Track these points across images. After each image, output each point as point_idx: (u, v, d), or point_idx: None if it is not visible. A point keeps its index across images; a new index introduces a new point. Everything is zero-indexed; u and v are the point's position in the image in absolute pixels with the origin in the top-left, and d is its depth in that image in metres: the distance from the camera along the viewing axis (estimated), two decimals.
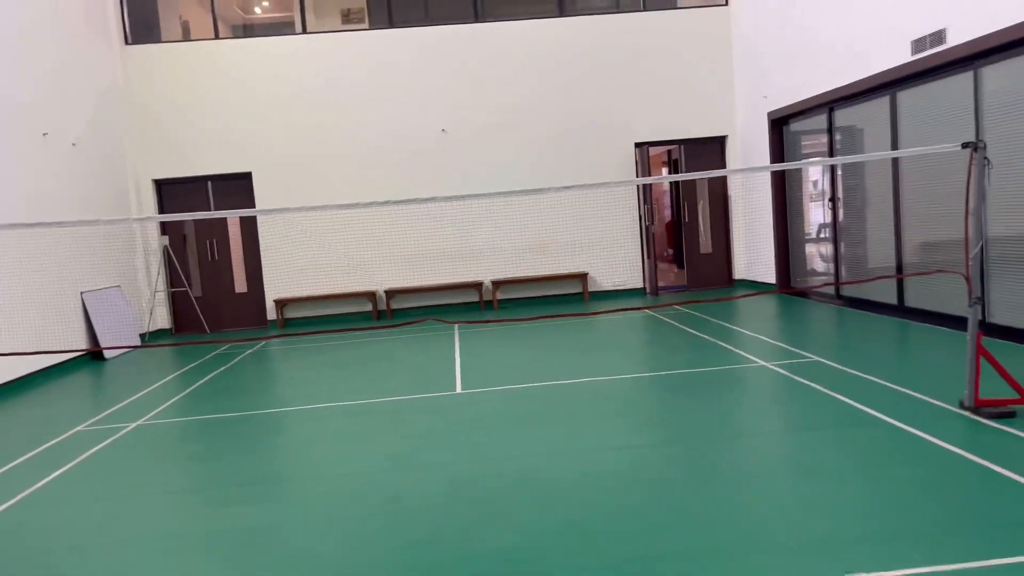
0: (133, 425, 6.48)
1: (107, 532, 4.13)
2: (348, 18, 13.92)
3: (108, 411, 7.10)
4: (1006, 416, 4.78)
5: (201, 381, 8.24)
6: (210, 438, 5.91)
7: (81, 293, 10.28)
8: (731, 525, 3.57)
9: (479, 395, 6.58)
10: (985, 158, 4.90)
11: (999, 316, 7.34)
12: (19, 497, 4.79)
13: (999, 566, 2.97)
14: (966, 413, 4.95)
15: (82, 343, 10.19)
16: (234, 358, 9.63)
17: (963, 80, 7.58)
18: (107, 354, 10.41)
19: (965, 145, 4.95)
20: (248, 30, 13.73)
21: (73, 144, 10.37)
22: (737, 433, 5.01)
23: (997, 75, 7.15)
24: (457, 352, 8.76)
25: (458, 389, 6.88)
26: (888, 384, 5.84)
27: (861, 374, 6.22)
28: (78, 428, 6.52)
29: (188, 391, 7.75)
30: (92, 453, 5.69)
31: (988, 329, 7.35)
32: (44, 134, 9.63)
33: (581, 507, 3.93)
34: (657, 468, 4.44)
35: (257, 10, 14.39)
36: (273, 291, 12.60)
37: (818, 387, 5.95)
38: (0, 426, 6.83)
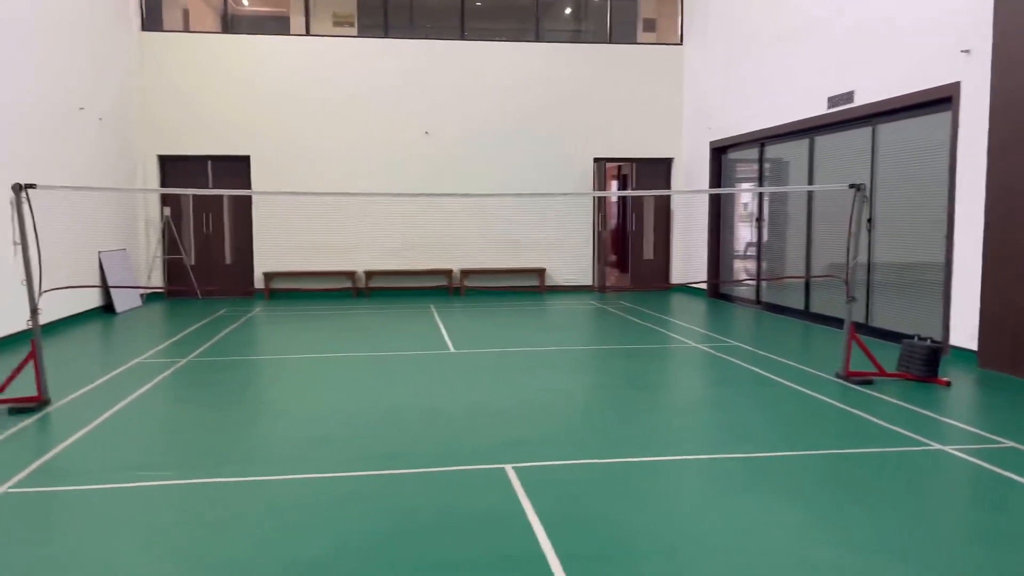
0: (184, 360, 7.86)
1: (197, 422, 5.60)
2: (339, 22, 15.33)
3: (154, 350, 8.44)
4: (866, 383, 6.65)
5: (222, 333, 9.61)
6: (252, 370, 7.37)
7: (99, 252, 11.46)
8: (653, 434, 5.30)
9: (471, 354, 8.19)
10: (864, 196, 6.77)
11: (879, 321, 9.32)
12: (121, 404, 6.17)
13: (838, 453, 4.76)
14: (839, 380, 6.81)
15: (97, 296, 11.39)
16: (238, 319, 10.97)
17: (865, 132, 9.55)
18: (118, 308, 11.60)
19: (851, 186, 6.81)
20: (237, 21, 14.88)
21: (100, 119, 11.54)
22: (667, 385, 6.76)
23: (888, 131, 9.13)
24: (440, 324, 10.34)
25: (451, 349, 8.47)
26: (787, 361, 7.69)
27: (768, 354, 8.07)
28: (136, 361, 7.86)
29: (215, 339, 9.12)
30: (163, 377, 7.08)
31: (870, 331, 9.32)
32: (81, 108, 10.81)
33: (560, 420, 5.61)
34: (606, 401, 6.15)
35: (245, 1, 15.63)
36: (262, 265, 13.90)
37: (734, 360, 7.77)
38: (57, 359, 8.08)
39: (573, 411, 5.87)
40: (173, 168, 13.75)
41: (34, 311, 5.90)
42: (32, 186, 5.81)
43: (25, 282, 5.84)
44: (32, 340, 5.94)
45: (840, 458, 4.67)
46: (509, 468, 4.48)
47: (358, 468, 4.52)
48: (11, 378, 5.90)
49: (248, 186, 13.77)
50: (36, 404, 5.86)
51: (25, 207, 5.80)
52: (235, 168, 13.84)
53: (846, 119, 9.74)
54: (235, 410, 5.94)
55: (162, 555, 3.37)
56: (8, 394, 6.01)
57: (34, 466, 4.56)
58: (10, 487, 4.20)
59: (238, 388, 6.70)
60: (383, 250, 14.17)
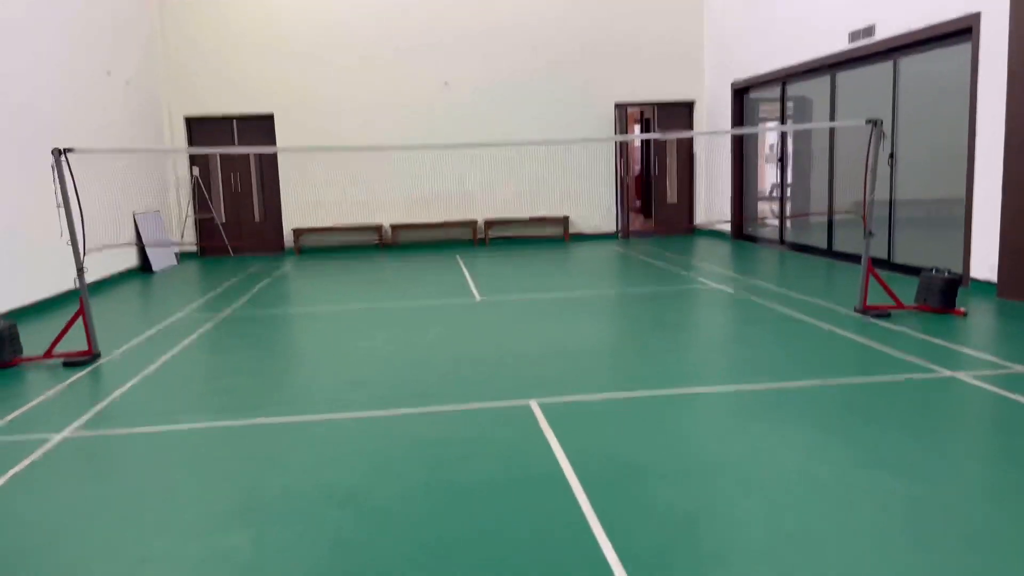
0: (222, 315, 8.19)
1: (240, 370, 5.91)
2: None
3: (193, 305, 8.78)
4: (883, 316, 6.78)
5: (256, 288, 9.94)
6: (288, 322, 7.68)
7: (133, 214, 11.81)
8: (674, 369, 5.51)
9: (496, 301, 8.43)
10: (882, 132, 6.81)
11: (900, 257, 9.38)
12: (167, 356, 6.50)
13: (850, 382, 4.94)
14: (856, 314, 6.94)
15: (134, 256, 11.77)
16: (270, 275, 11.30)
17: (886, 67, 9.47)
18: (154, 267, 11.98)
19: (868, 121, 6.85)
20: None
21: (127, 82, 11.78)
22: (688, 324, 6.95)
23: (909, 65, 9.05)
24: (466, 273, 10.57)
25: (477, 298, 8.71)
26: (808, 298, 7.83)
27: (789, 292, 8.21)
28: (177, 316, 8.20)
29: (251, 294, 9.45)
30: (204, 330, 7.41)
31: (892, 267, 9.39)
32: (108, 72, 11.04)
33: (584, 360, 5.83)
34: (629, 341, 6.36)
35: None
36: (290, 221, 14.19)
37: (755, 299, 7.92)
38: (102, 317, 8.43)
39: (597, 351, 6.09)
40: (199, 129, 13.99)
41: (80, 270, 6.21)
42: (70, 150, 6.07)
43: (70, 242, 6.13)
44: (80, 297, 6.26)
45: (852, 386, 4.86)
46: (534, 404, 4.73)
47: (392, 407, 4.79)
48: (62, 334, 6.25)
49: (273, 144, 13.98)
50: (87, 357, 6.21)
51: (65, 170, 6.06)
52: (259, 127, 14.04)
53: (867, 54, 9.66)
54: (274, 358, 6.25)
55: (219, 485, 3.68)
56: (61, 349, 6.37)
57: (91, 412, 4.89)
58: (71, 432, 4.54)
59: (276, 338, 7.01)
60: (408, 203, 14.37)
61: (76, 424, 4.67)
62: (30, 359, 6.21)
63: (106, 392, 5.36)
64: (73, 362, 6.13)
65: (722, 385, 5.01)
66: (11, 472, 3.92)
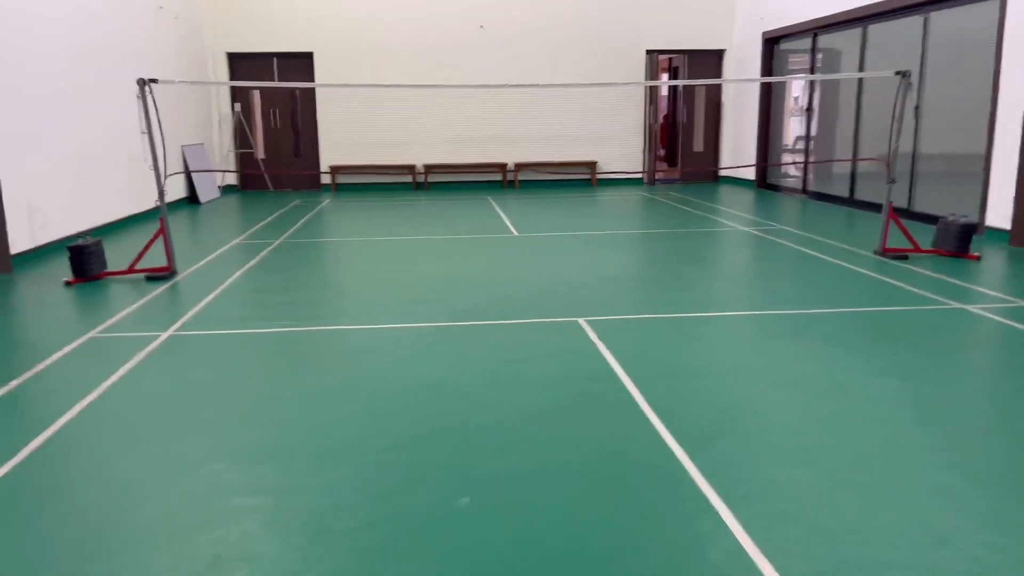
0: (277, 242, 8.75)
1: (308, 287, 6.48)
2: None
3: (244, 235, 9.34)
4: (901, 258, 7.26)
5: (303, 220, 10.49)
6: (341, 249, 8.23)
7: (181, 146, 12.32)
8: (705, 296, 6.04)
9: (534, 236, 8.94)
10: (909, 83, 7.19)
11: (920, 206, 9.79)
12: (237, 274, 7.07)
13: (868, 311, 5.46)
14: (876, 256, 7.42)
15: (183, 187, 12.32)
16: (312, 208, 11.83)
17: (916, 21, 9.75)
18: (201, 198, 12.54)
19: (897, 73, 7.22)
20: None
21: (176, 17, 12.17)
22: (716, 260, 7.45)
23: (939, 20, 9.34)
24: (500, 212, 11.07)
25: (515, 233, 9.23)
26: (830, 241, 8.30)
27: (812, 236, 8.68)
28: (235, 242, 8.77)
29: (299, 225, 10.01)
30: (264, 255, 7.98)
31: (912, 215, 9.82)
32: (160, 7, 11.43)
33: (622, 287, 6.37)
34: (662, 273, 6.88)
35: None
36: (327, 159, 14.67)
37: (779, 240, 8.40)
38: (174, 237, 8.99)
39: (633, 280, 6.63)
40: (240, 65, 14.38)
41: (161, 193, 6.76)
42: (154, 81, 6.56)
43: (152, 167, 6.66)
44: (160, 218, 6.82)
45: (869, 314, 5.38)
46: (582, 320, 5.28)
47: (455, 320, 5.36)
48: (144, 251, 6.83)
49: (312, 82, 14.36)
50: (167, 273, 6.79)
51: (149, 100, 6.55)
52: (299, 64, 14.41)
53: (898, 7, 9.92)
54: (337, 279, 6.82)
55: (317, 371, 4.26)
56: (139, 265, 6.95)
57: (186, 316, 5.49)
58: (174, 331, 5.13)
59: (333, 262, 7.58)
60: (440, 145, 14.78)
61: (176, 325, 5.27)
62: (114, 273, 6.80)
63: (193, 301, 5.95)
64: (155, 277, 6.71)
65: (750, 310, 5.54)
66: (137, 358, 4.53)
